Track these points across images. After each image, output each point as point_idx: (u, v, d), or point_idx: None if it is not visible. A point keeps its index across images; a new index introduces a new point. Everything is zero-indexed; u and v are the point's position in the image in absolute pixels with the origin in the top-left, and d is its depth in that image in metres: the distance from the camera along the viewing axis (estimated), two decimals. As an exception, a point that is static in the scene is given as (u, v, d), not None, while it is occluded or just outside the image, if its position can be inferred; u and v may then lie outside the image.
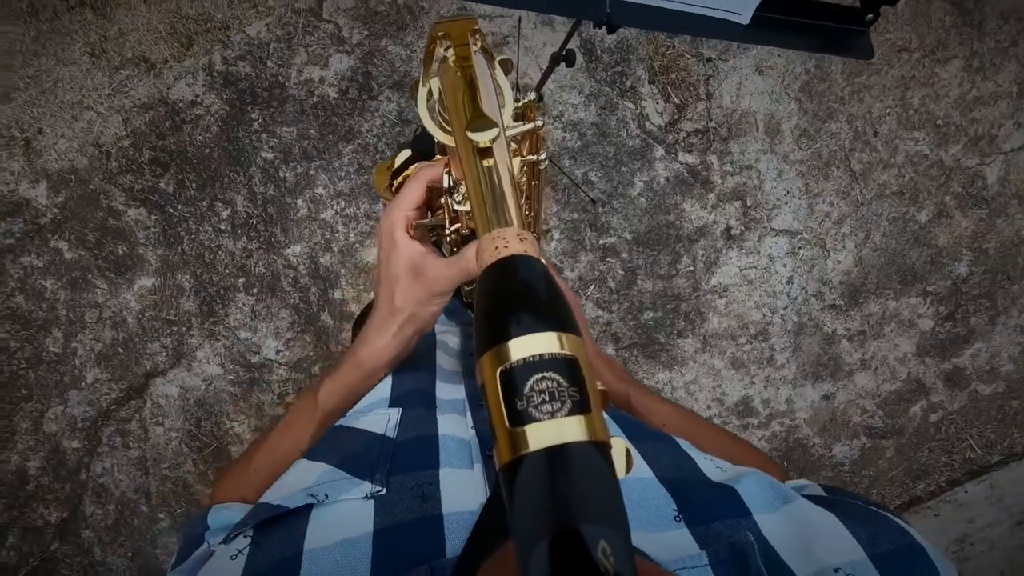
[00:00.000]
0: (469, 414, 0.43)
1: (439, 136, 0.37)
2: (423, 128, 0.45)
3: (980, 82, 1.72)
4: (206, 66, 1.50)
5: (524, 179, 0.46)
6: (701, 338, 1.77)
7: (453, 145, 0.34)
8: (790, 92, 1.67)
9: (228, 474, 0.50)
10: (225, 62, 1.51)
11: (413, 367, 0.50)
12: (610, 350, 1.75)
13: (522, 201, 0.44)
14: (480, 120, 0.30)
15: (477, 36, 0.37)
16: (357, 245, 1.61)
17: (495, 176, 0.29)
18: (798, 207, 1.73)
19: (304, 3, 1.50)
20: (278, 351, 1.63)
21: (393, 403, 0.43)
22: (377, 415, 0.41)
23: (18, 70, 1.47)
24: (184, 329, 1.59)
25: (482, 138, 0.29)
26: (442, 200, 0.43)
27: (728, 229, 1.72)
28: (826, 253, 1.77)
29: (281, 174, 1.56)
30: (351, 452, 0.37)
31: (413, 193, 0.43)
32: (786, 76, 1.66)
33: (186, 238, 1.56)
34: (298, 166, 1.56)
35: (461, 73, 0.34)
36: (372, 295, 1.64)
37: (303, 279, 1.61)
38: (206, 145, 1.53)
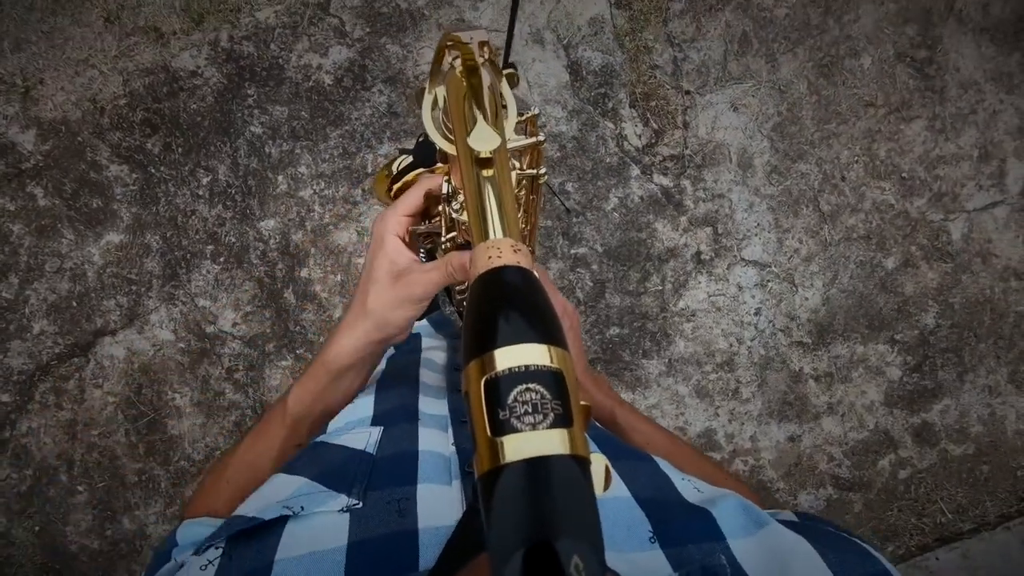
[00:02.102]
0: (451, 430, 0.43)
1: (441, 144, 0.38)
2: (425, 135, 0.47)
3: (943, 143, 1.82)
4: (212, 41, 1.59)
5: (522, 192, 0.47)
6: (666, 361, 1.75)
7: (455, 153, 0.36)
8: (763, 130, 1.75)
9: (201, 488, 0.50)
10: (231, 40, 1.59)
11: (396, 384, 0.51)
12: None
13: (519, 214, 0.46)
14: (483, 131, 0.31)
15: (485, 48, 0.38)
16: (331, 227, 1.62)
17: (494, 186, 0.30)
18: (768, 240, 1.76)
19: (313, -4, 1.62)
20: (235, 324, 1.59)
21: (375, 421, 0.44)
22: (358, 433, 0.41)
23: (34, 25, 1.55)
24: (143, 290, 1.57)
25: (483, 148, 0.30)
26: (440, 208, 0.44)
27: (698, 253, 1.74)
28: (794, 289, 1.78)
29: (267, 149, 1.60)
30: (329, 466, 0.37)
31: (411, 200, 0.44)
32: (760, 115, 1.75)
33: (163, 199, 1.58)
34: (284, 144, 1.60)
35: (467, 83, 0.35)
36: (337, 278, 1.64)
37: (272, 253, 1.61)
38: (199, 113, 1.58)
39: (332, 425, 0.44)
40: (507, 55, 1.16)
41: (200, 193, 1.59)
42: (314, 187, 1.61)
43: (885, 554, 1.81)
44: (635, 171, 1.72)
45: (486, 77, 0.35)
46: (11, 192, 1.54)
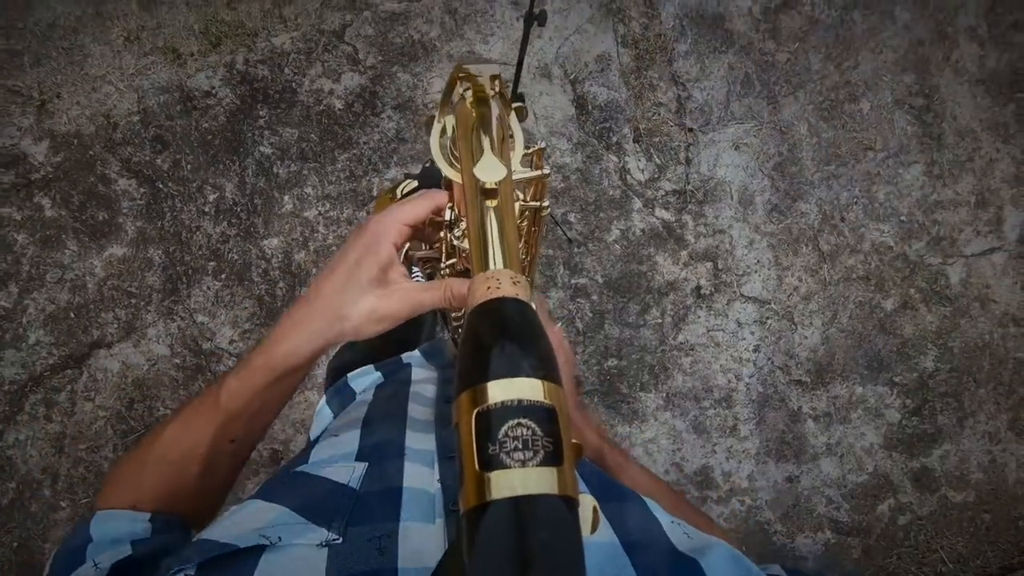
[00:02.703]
0: (437, 466, 0.42)
1: (448, 172, 0.38)
2: (432, 161, 0.47)
3: (940, 188, 1.85)
4: (228, 63, 1.63)
5: (524, 224, 0.47)
6: (664, 395, 1.73)
7: (460, 182, 0.36)
8: (764, 169, 1.78)
9: (116, 474, 0.46)
10: (246, 63, 1.63)
11: (383, 418, 0.50)
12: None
13: (520, 245, 0.46)
14: (489, 161, 0.31)
15: (496, 82, 0.39)
16: (334, 247, 1.63)
17: (497, 217, 0.30)
18: (767, 277, 1.77)
19: (329, 25, 1.66)
20: (232, 341, 1.59)
21: (360, 456, 0.42)
22: (342, 467, 0.40)
23: (56, 41, 1.59)
24: (142, 304, 1.57)
25: (489, 179, 0.30)
26: (441, 234, 0.44)
27: (698, 288, 1.75)
28: (793, 327, 1.78)
29: (275, 169, 1.62)
30: (310, 498, 0.36)
31: (416, 210, 0.41)
32: (761, 154, 1.78)
33: (168, 214, 1.59)
34: (292, 164, 1.63)
35: (476, 114, 0.35)
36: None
37: (274, 272, 1.61)
38: (210, 132, 1.61)
39: (315, 456, 0.42)
40: (515, 88, 1.19)
41: (206, 210, 1.60)
42: (319, 208, 1.63)
43: (885, 603, 1.77)
44: (637, 204, 1.74)
45: (495, 109, 0.36)
46: (19, 202, 1.55)
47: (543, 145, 0.42)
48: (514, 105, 0.40)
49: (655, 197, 1.75)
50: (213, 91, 1.62)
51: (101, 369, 1.55)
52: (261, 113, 1.63)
